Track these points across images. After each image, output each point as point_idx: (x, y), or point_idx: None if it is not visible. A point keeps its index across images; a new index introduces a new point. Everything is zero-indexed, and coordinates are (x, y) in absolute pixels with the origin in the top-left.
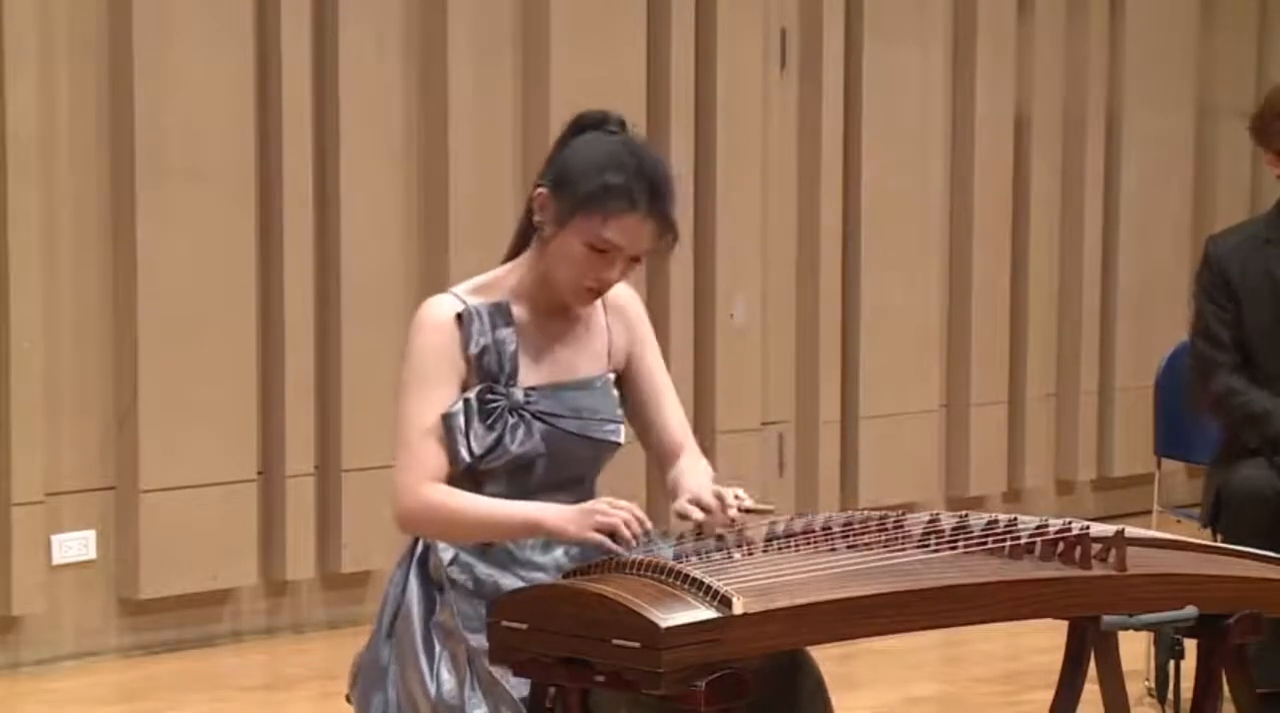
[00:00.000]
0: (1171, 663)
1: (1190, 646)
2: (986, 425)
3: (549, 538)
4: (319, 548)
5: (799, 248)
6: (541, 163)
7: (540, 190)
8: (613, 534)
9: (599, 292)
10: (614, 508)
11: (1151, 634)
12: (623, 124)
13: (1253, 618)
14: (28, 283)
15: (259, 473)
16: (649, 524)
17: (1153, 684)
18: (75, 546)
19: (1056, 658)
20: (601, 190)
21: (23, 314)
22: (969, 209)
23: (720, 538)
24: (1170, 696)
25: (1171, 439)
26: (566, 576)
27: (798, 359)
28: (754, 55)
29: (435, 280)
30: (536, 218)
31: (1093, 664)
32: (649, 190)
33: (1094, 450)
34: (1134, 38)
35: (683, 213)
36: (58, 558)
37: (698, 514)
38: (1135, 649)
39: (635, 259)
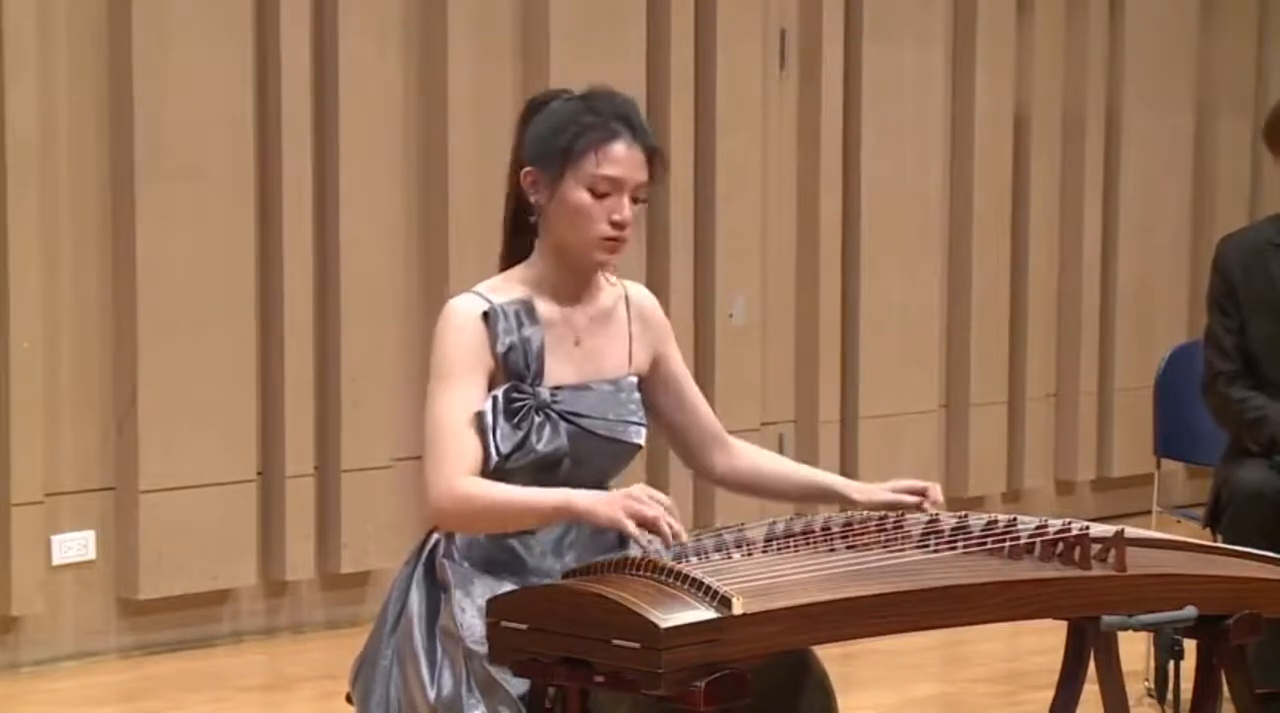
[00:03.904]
0: (1171, 663)
1: (1190, 646)
2: (986, 425)
3: (579, 521)
4: (318, 548)
5: (799, 248)
6: None
7: (525, 170)
8: (644, 526)
9: (619, 238)
10: (651, 499)
11: (1151, 634)
12: (569, 91)
13: (1252, 618)
14: (28, 283)
15: (259, 473)
16: (680, 528)
17: (1152, 684)
18: (75, 546)
19: (1056, 658)
20: (582, 132)
21: (23, 314)
22: (969, 209)
23: (719, 537)
24: (1170, 696)
25: (1171, 440)
26: (566, 576)
27: (798, 359)
28: (754, 55)
29: (435, 280)
30: (532, 199)
31: (1093, 664)
32: (624, 121)
33: (1094, 451)
34: (1134, 38)
35: (683, 212)
36: (57, 558)
37: (911, 498)
38: (1135, 649)
39: (636, 199)
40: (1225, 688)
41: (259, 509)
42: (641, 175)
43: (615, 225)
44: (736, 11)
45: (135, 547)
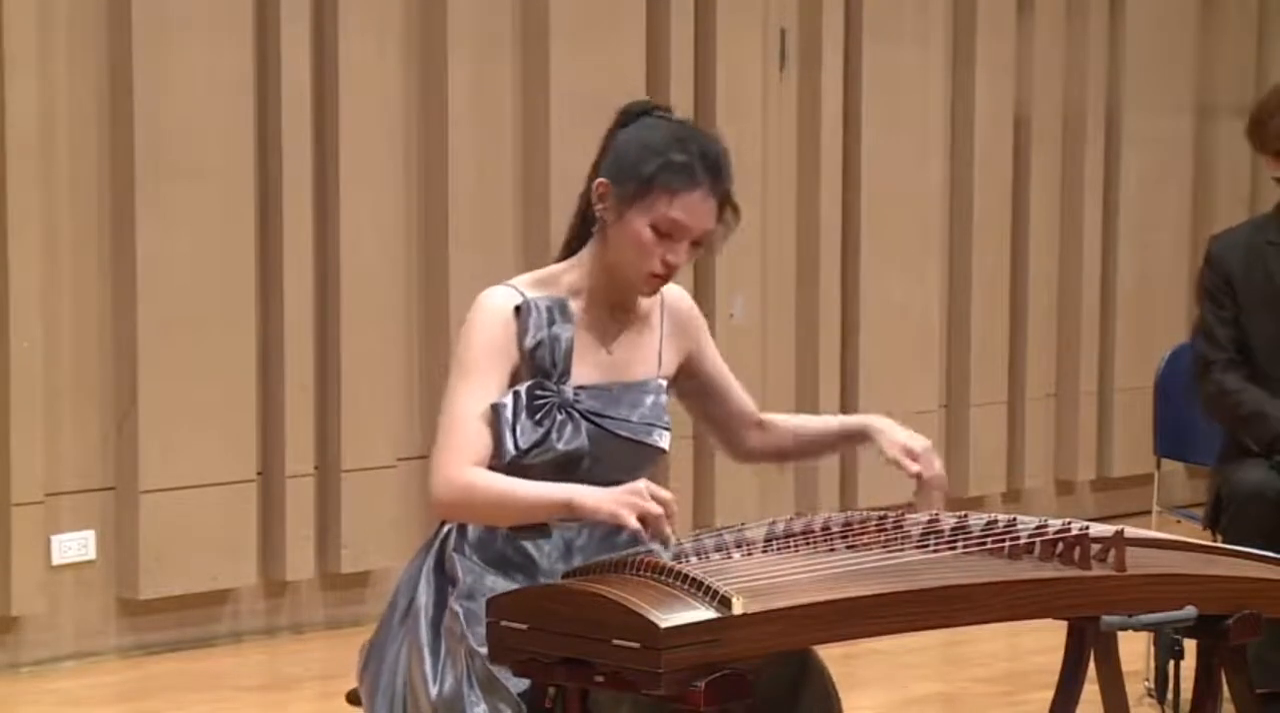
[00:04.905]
0: (1171, 663)
1: (1190, 646)
2: (986, 425)
3: (580, 517)
4: (319, 548)
5: (799, 248)
6: (542, 163)
7: (600, 180)
8: (645, 523)
9: (665, 277)
10: (654, 496)
11: (1151, 634)
12: (668, 109)
13: (1252, 618)
14: (28, 283)
15: (259, 473)
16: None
17: (1152, 684)
18: (75, 546)
19: (1056, 658)
20: (665, 170)
21: (23, 314)
22: (969, 209)
23: (720, 537)
24: (1170, 696)
25: (1171, 439)
26: (566, 575)
27: (798, 359)
28: (754, 55)
29: (435, 280)
30: (598, 209)
31: (1093, 664)
32: (710, 168)
33: (1094, 451)
34: (1134, 38)
35: None
36: (57, 558)
37: (913, 466)
38: (1135, 649)
39: (698, 243)
40: (1225, 688)
41: (259, 509)
42: (709, 224)
43: (666, 266)
44: (736, 11)
45: (135, 547)
